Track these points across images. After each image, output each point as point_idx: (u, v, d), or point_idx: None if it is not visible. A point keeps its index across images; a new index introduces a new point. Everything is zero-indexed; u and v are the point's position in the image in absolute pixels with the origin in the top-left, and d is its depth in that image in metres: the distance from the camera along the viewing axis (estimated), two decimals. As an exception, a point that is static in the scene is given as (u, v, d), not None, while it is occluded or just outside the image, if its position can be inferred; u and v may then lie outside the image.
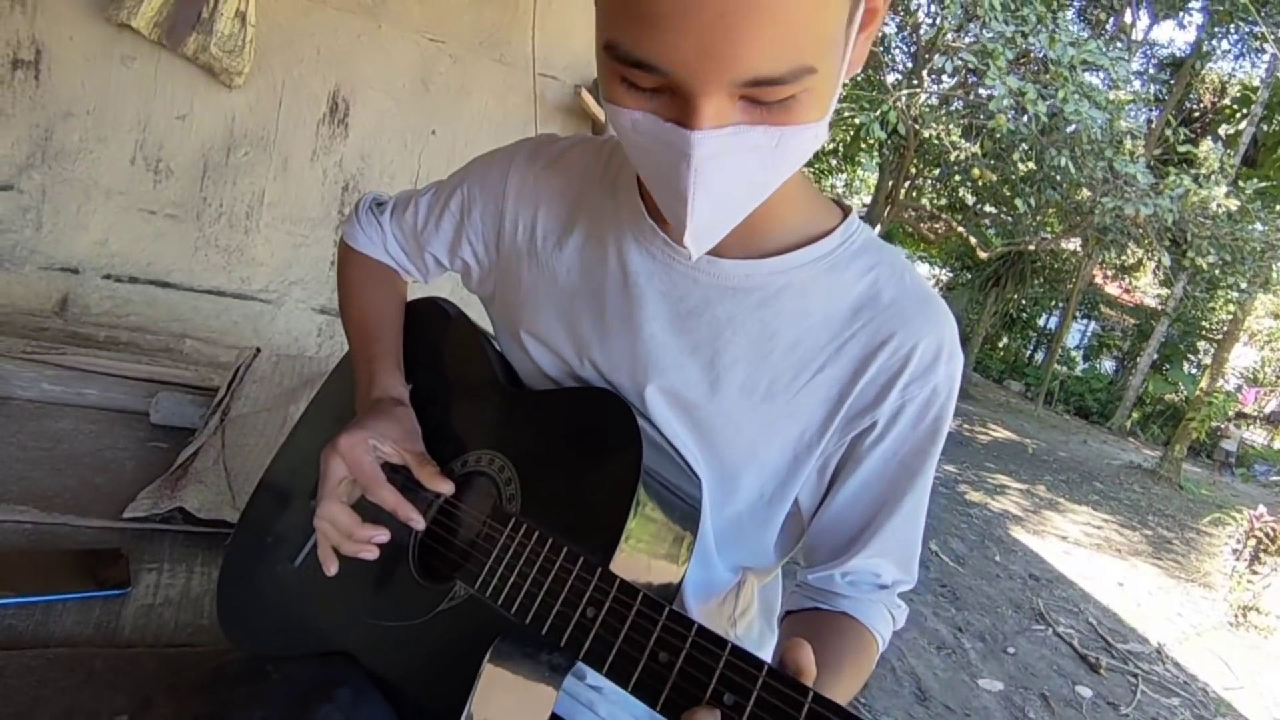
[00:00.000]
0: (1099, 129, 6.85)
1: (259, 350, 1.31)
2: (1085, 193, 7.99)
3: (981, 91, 7.63)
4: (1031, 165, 8.54)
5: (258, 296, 2.13)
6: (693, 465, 0.65)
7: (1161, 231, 7.75)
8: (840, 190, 18.29)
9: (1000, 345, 17.15)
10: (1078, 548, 5.30)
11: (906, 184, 11.43)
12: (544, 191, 0.71)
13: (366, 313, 0.80)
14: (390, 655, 0.63)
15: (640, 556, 0.58)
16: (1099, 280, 15.70)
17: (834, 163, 14.37)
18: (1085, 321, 17.11)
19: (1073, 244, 11.61)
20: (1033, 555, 4.82)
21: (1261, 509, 4.68)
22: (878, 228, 11.31)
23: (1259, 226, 8.25)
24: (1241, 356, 15.07)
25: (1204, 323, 14.56)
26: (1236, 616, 4.47)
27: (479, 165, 0.77)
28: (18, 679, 0.67)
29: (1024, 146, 8.11)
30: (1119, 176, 7.22)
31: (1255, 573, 4.59)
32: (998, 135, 7.90)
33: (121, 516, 0.95)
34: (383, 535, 0.63)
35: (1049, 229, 10.49)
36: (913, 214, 13.54)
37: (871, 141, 9.76)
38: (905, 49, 11.11)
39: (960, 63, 8.02)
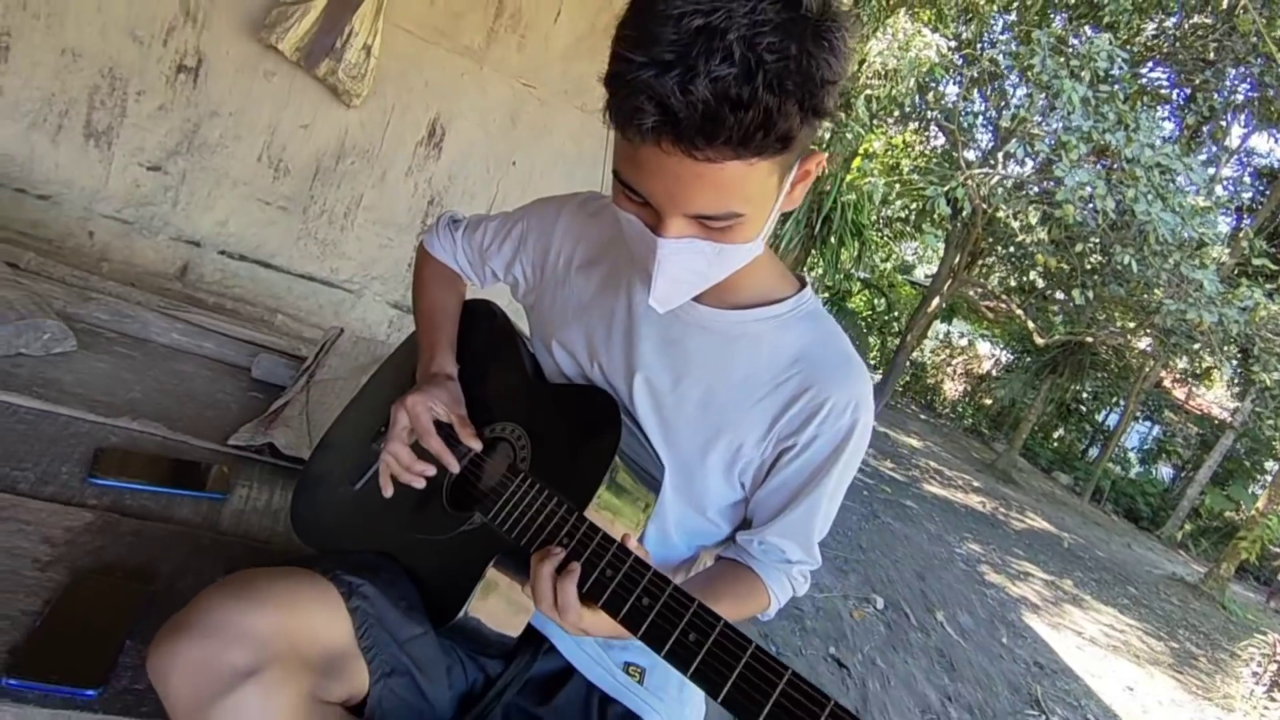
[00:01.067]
0: (1168, 232, 6.82)
1: (342, 330, 1.57)
2: (1158, 293, 7.92)
3: (1064, 181, 7.69)
4: (1099, 258, 8.51)
5: (343, 285, 2.43)
6: (663, 460, 0.85)
7: (1226, 341, 7.62)
8: (910, 258, 18.30)
9: (1054, 436, 16.73)
10: (1093, 645, 5.22)
11: (970, 260, 11.41)
12: (584, 233, 0.94)
13: (434, 305, 1.03)
14: (420, 558, 0.84)
15: (608, 509, 0.79)
16: (1168, 384, 15.26)
17: (905, 229, 14.43)
18: (1148, 424, 16.58)
19: (1143, 342, 11.40)
20: (1042, 644, 4.78)
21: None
22: (936, 300, 11.32)
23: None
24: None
25: (1276, 442, 13.95)
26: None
27: (539, 205, 1.00)
28: (150, 540, 0.91)
29: (1093, 239, 8.11)
30: (1187, 281, 7.16)
31: (1273, 699, 4.47)
32: (1067, 224, 7.92)
33: (226, 443, 1.21)
34: (430, 471, 0.86)
35: (1119, 324, 10.34)
36: (978, 291, 13.47)
37: (939, 214, 9.84)
38: (987, 127, 11.20)
39: (1036, 149, 8.11)
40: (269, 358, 1.51)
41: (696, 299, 0.79)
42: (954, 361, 19.53)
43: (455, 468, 0.86)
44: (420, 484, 0.86)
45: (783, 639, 3.23)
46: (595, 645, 0.88)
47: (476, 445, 0.88)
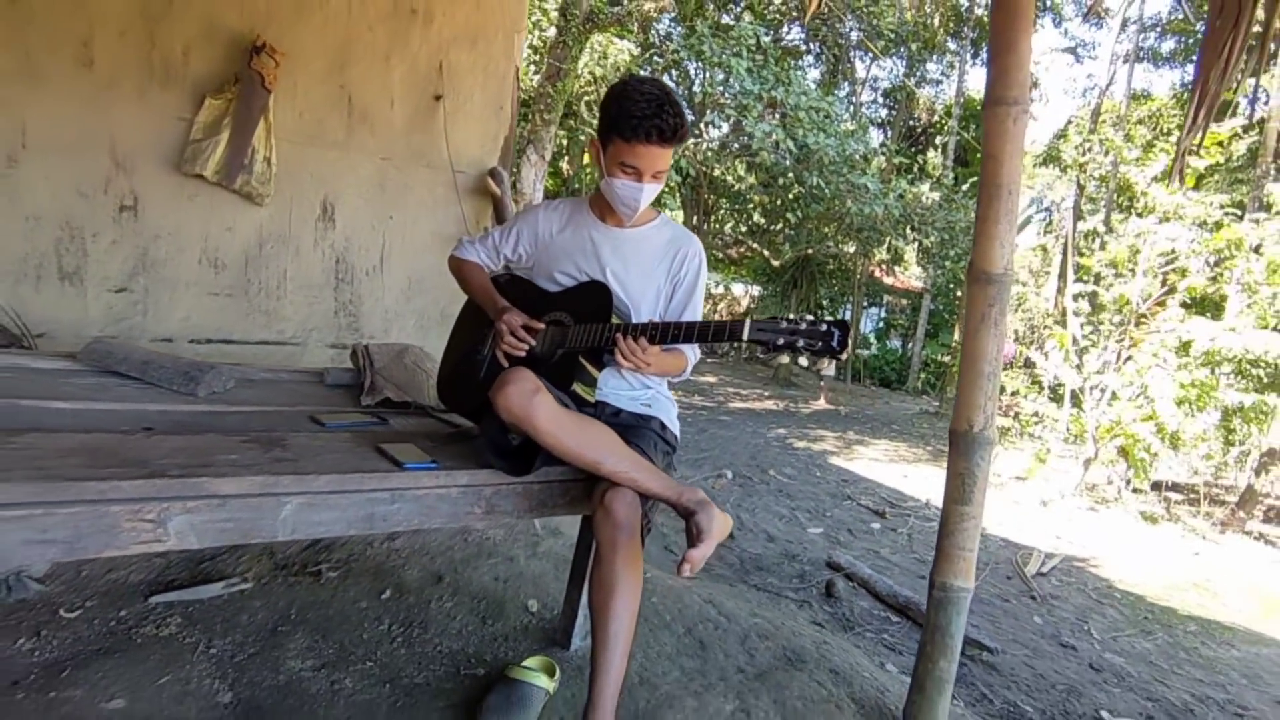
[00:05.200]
0: (835, 153, 8.92)
1: (366, 345, 2.36)
2: (849, 203, 10.17)
3: (754, 134, 9.56)
4: (799, 188, 10.68)
5: (290, 342, 3.10)
6: (626, 301, 1.86)
7: (897, 224, 10.06)
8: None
9: (813, 342, 19.75)
10: (876, 463, 7.02)
11: (706, 217, 13.34)
12: (552, 217, 1.91)
13: (481, 281, 1.95)
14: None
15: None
16: (878, 274, 18.78)
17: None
18: (875, 309, 20.23)
19: (850, 246, 14.16)
20: (844, 470, 6.43)
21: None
22: (690, 255, 13.14)
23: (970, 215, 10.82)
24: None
25: (958, 294, 17.78)
26: (982, 480, 6.27)
27: (524, 214, 1.96)
28: (380, 436, 1.75)
29: (789, 175, 10.19)
30: (857, 187, 9.38)
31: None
32: (766, 167, 9.88)
33: (361, 405, 2.01)
34: (526, 345, 1.80)
35: (827, 235, 12.84)
36: (720, 242, 15.67)
37: (671, 186, 11.50)
38: (685, 101, 13.19)
39: (727, 114, 9.95)
40: (334, 369, 2.28)
41: (621, 226, 1.82)
42: (718, 308, 22.10)
43: (533, 341, 1.81)
44: (523, 353, 1.80)
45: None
46: (628, 399, 1.87)
47: (541, 326, 1.83)
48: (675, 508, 1.58)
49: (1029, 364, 7.87)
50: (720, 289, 22.21)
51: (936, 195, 9.21)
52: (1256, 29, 1.94)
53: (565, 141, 10.23)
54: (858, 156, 9.53)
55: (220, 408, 1.83)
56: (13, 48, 2.44)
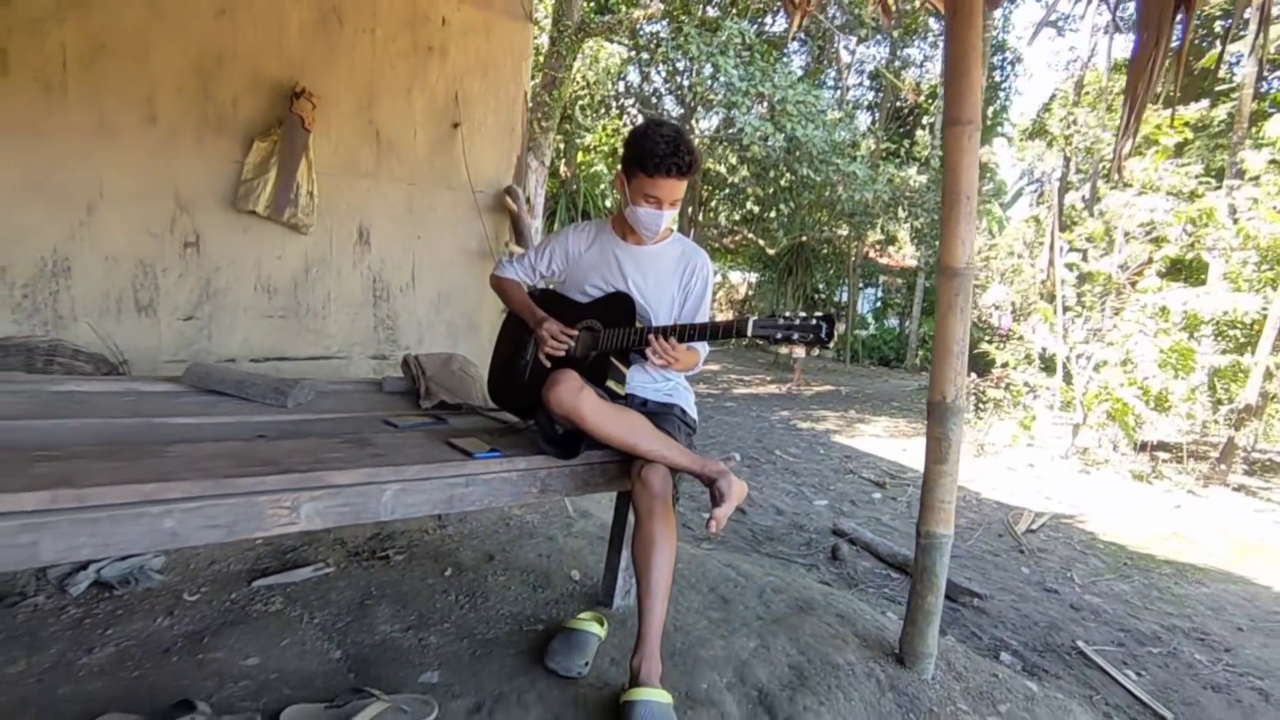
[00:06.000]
0: (823, 143, 9.21)
1: (415, 354, 2.69)
2: (839, 190, 10.47)
3: (744, 127, 9.83)
4: (790, 177, 10.98)
5: (336, 356, 3.42)
6: (646, 308, 2.18)
7: (887, 208, 10.36)
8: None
9: (812, 325, 20.04)
10: (877, 439, 7.35)
11: (700, 208, 13.62)
12: (580, 238, 2.23)
13: (521, 296, 2.27)
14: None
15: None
16: (872, 255, 19.07)
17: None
18: (871, 290, 20.54)
19: (843, 230, 14.45)
20: (847, 447, 6.76)
21: (973, 376, 6.91)
22: (688, 248, 13.45)
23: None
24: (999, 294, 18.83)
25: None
26: (976, 451, 6.62)
27: (554, 236, 2.28)
28: (443, 432, 2.08)
29: (780, 166, 10.48)
30: (846, 174, 9.67)
31: (979, 418, 6.81)
32: (758, 159, 10.17)
33: (421, 407, 2.34)
34: (565, 347, 2.12)
35: (820, 221, 13.14)
36: (715, 232, 15.98)
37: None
38: (671, 96, 13.47)
39: (715, 109, 10.23)
40: (391, 378, 2.61)
41: (640, 244, 2.14)
42: (717, 296, 22.41)
43: (571, 343, 2.13)
44: (562, 353, 2.12)
45: (688, 489, 4.70)
46: (652, 390, 2.20)
47: (574, 333, 2.15)
48: (700, 477, 1.92)
49: (1023, 337, 8.19)
50: (718, 277, 22.54)
51: (924, 178, 9.51)
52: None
53: (562, 145, 10.52)
54: (846, 144, 9.82)
55: (309, 416, 2.16)
56: (90, 109, 2.76)
